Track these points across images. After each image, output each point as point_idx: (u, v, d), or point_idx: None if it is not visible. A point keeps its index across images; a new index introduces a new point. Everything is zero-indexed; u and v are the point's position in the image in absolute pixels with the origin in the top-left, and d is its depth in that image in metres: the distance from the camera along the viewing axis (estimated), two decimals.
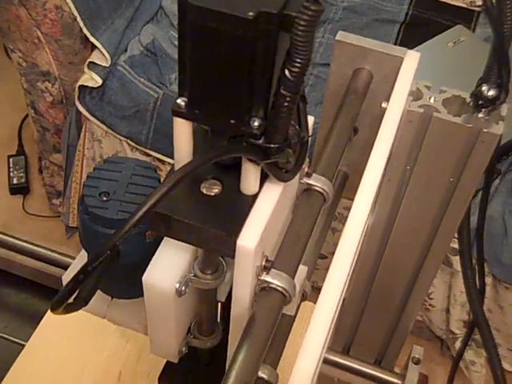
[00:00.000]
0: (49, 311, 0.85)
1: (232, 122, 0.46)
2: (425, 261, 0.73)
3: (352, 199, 0.82)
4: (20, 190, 1.93)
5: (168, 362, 0.65)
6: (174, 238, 0.51)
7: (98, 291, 0.71)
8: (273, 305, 0.50)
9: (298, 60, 0.42)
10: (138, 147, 1.52)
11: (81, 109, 1.54)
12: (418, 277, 0.75)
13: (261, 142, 0.46)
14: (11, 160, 1.97)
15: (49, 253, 0.99)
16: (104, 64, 1.51)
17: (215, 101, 0.45)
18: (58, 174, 1.78)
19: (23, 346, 0.89)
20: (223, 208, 0.50)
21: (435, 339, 1.53)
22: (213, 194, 0.50)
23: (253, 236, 0.48)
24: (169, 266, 0.55)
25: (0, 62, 2.26)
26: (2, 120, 2.09)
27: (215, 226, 0.48)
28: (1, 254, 1.03)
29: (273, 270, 0.51)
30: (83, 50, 1.53)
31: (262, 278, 0.50)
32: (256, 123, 0.45)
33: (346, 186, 0.80)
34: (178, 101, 0.46)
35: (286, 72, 0.43)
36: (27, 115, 2.05)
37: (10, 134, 2.06)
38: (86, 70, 1.51)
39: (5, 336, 0.91)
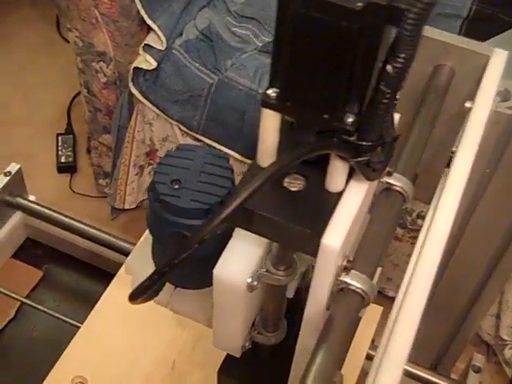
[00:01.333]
0: (104, 294, 0.85)
1: (325, 116, 0.44)
2: (495, 268, 0.71)
3: (418, 199, 0.79)
4: (67, 168, 1.94)
5: (228, 355, 0.64)
6: (253, 233, 0.49)
7: None
8: (351, 307, 0.48)
9: (403, 55, 0.40)
10: (190, 132, 1.51)
11: (134, 91, 1.53)
12: (486, 284, 0.72)
13: (353, 138, 0.44)
14: (60, 138, 1.98)
15: (103, 235, 0.98)
16: (159, 47, 1.49)
17: (309, 94, 0.44)
18: (107, 154, 1.78)
19: (75, 326, 0.88)
20: (307, 204, 0.48)
21: (481, 344, 1.50)
22: (296, 189, 0.49)
23: (338, 235, 0.46)
24: (241, 259, 0.54)
25: (52, 39, 2.27)
26: (53, 98, 2.10)
27: (299, 222, 0.47)
28: (54, 233, 1.03)
29: (352, 270, 0.49)
30: (139, 32, 1.53)
31: (341, 278, 0.49)
32: (350, 119, 0.43)
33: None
34: (269, 91, 0.45)
35: (388, 67, 0.41)
36: (77, 94, 2.06)
37: (60, 113, 2.07)
38: (141, 52, 1.51)
39: (57, 315, 0.91)
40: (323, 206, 0.48)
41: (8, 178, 0.98)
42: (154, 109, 1.53)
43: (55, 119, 2.06)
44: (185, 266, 0.56)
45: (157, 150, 1.62)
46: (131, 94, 1.55)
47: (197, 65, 1.48)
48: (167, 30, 1.50)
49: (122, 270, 0.85)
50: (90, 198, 1.89)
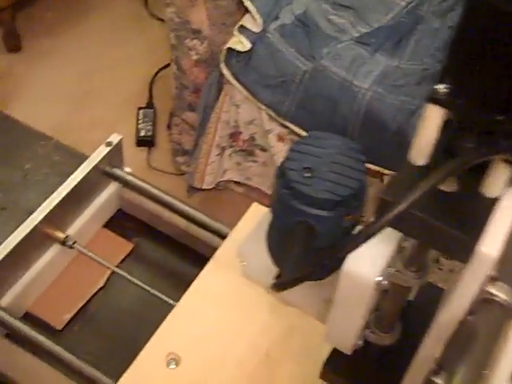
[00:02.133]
0: (200, 275, 0.84)
1: (499, 118, 0.41)
2: None
3: None
4: (146, 142, 1.95)
5: (335, 350, 0.63)
6: (399, 231, 0.47)
7: (275, 267, 0.69)
8: (496, 320, 0.46)
9: None
10: (277, 118, 1.49)
11: (225, 72, 1.52)
12: None
13: None
14: (141, 112, 1.99)
15: (198, 214, 0.98)
16: (254, 29, 1.48)
17: (485, 93, 0.41)
18: (188, 132, 1.78)
19: (165, 301, 0.88)
20: (461, 207, 0.46)
21: None
22: (449, 190, 0.46)
23: (495, 243, 0.44)
24: (372, 257, 0.52)
25: (139, 13, 2.29)
26: (136, 72, 2.12)
27: (454, 226, 0.44)
28: (147, 207, 1.03)
29: (499, 282, 0.47)
30: (236, 13, 1.51)
31: (487, 288, 0.47)
32: None
33: None
34: (439, 87, 0.43)
35: None
36: (160, 69, 2.07)
37: (142, 87, 2.09)
38: (235, 32, 1.49)
39: (149, 289, 0.91)
40: (478, 210, 0.46)
41: (109, 148, 0.99)
42: (244, 91, 1.52)
43: (137, 93, 2.08)
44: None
45: (240, 133, 1.61)
46: (221, 75, 1.54)
47: (291, 50, 1.46)
48: (264, 12, 1.49)
49: (219, 252, 0.84)
50: (166, 174, 1.89)
